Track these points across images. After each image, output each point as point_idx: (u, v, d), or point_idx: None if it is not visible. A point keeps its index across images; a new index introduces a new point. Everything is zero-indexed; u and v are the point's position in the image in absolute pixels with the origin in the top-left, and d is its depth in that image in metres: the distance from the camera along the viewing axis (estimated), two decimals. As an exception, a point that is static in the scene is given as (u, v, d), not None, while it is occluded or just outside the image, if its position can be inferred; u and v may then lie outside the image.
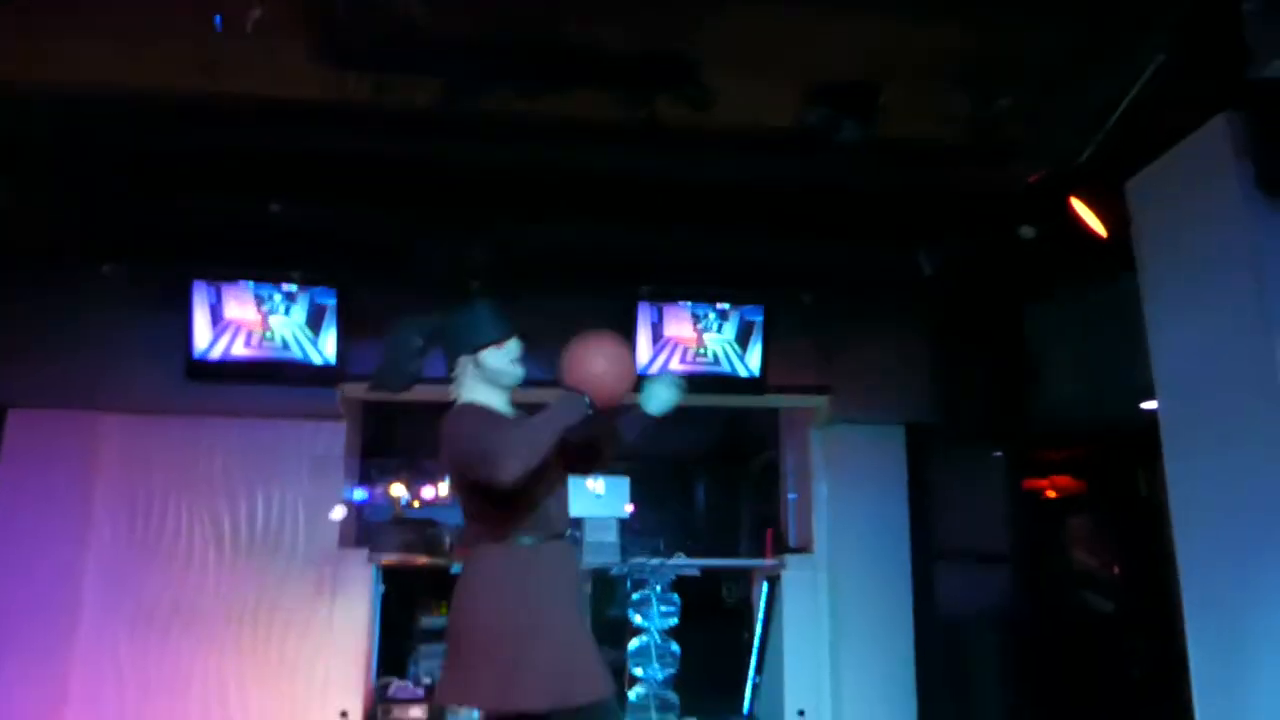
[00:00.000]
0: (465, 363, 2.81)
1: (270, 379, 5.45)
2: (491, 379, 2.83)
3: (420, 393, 5.75)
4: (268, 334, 5.38)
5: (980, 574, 5.89)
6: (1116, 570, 6.01)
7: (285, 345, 5.40)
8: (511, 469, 2.48)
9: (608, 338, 2.86)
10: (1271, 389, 2.96)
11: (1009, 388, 5.89)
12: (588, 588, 8.38)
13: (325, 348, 5.44)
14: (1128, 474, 6.77)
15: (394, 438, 7.76)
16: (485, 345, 2.80)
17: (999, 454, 6.20)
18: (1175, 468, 3.35)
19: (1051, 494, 6.89)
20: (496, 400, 2.87)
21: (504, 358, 2.81)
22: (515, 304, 5.65)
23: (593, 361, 2.74)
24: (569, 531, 2.94)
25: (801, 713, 5.84)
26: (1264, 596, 2.93)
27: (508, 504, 2.64)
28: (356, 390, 5.75)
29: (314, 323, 5.42)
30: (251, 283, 5.38)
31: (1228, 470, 3.12)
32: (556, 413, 2.63)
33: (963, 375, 6.07)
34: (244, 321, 5.36)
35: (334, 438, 5.72)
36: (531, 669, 2.56)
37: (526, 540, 2.70)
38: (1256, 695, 2.93)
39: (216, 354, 5.34)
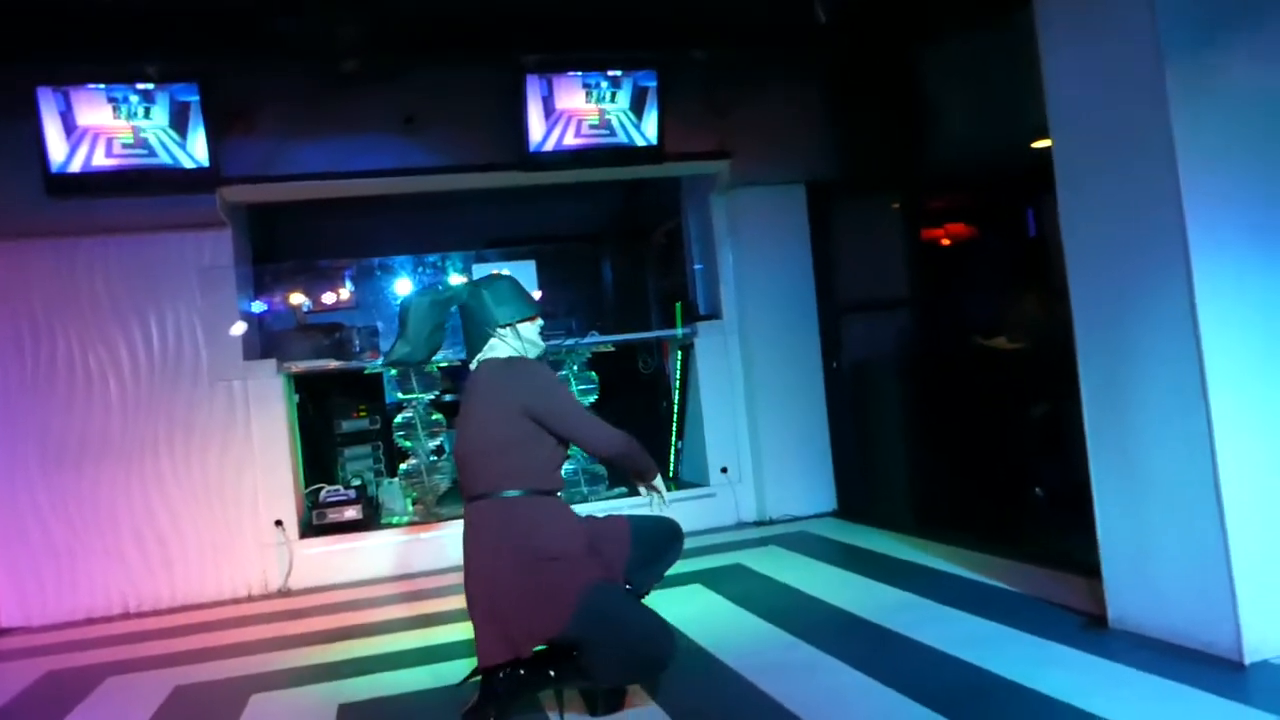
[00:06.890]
0: (505, 333, 3.14)
1: (140, 189, 5.11)
2: (526, 349, 3.18)
3: (304, 189, 5.58)
4: (127, 139, 4.97)
5: (883, 321, 6.10)
6: (1011, 309, 6.23)
7: (151, 151, 5.02)
8: (612, 446, 3.10)
9: None
10: (1161, 116, 2.99)
11: (903, 136, 5.89)
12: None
13: (195, 149, 5.07)
14: (1019, 216, 6.95)
15: (281, 241, 7.43)
16: (524, 320, 3.15)
17: (896, 205, 6.28)
18: (1067, 198, 3.41)
19: (946, 241, 7.06)
20: None
21: (534, 330, 3.19)
22: (395, 82, 5.43)
23: None
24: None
25: (724, 469, 6.15)
26: (1147, 319, 3.09)
27: (562, 462, 3.14)
28: (236, 193, 5.44)
29: (179, 123, 5.03)
30: (102, 85, 4.91)
31: (1117, 197, 3.20)
32: (637, 458, 3.19)
33: (858, 127, 6.03)
34: (101, 128, 4.94)
35: (220, 246, 5.45)
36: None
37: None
38: (1138, 412, 3.14)
39: (76, 166, 4.94)
